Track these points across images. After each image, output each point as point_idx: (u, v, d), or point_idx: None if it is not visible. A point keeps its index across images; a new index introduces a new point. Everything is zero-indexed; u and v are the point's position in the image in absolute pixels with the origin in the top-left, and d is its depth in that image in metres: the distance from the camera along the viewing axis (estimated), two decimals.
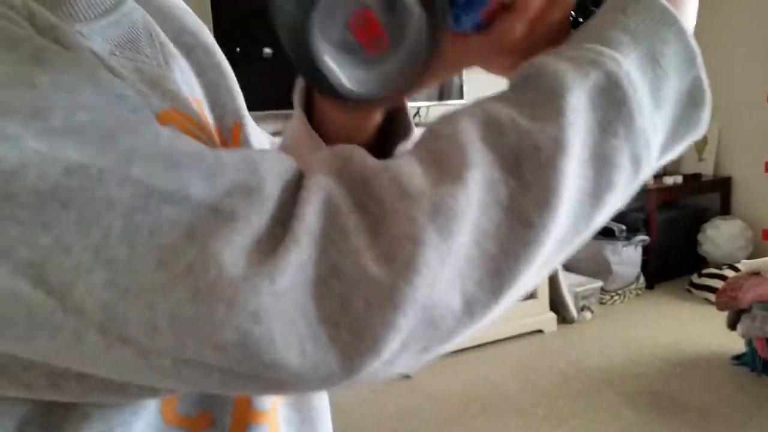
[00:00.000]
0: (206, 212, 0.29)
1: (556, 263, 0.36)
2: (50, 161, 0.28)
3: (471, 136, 0.33)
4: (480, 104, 0.36)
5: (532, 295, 3.17)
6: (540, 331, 3.21)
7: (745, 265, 2.80)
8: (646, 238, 3.64)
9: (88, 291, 0.28)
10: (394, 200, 0.31)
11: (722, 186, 4.00)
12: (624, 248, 3.57)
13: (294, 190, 0.32)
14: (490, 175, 0.32)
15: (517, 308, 3.12)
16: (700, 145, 4.04)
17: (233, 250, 0.28)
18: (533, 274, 0.34)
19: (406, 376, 2.79)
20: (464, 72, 0.46)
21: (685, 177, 3.93)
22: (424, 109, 3.22)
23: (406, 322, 0.30)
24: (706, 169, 4.03)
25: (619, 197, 0.36)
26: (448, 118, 0.35)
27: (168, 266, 0.28)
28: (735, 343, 2.77)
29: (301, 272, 0.29)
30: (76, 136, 0.29)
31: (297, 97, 0.49)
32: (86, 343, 0.29)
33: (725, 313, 2.76)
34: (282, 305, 0.28)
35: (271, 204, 0.31)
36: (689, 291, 3.65)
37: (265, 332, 0.28)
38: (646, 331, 3.17)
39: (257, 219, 0.30)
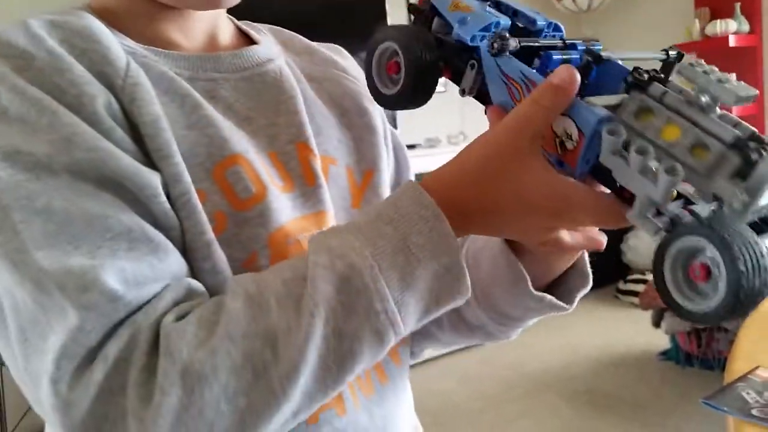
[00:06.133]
0: None
1: (315, 407, 0.45)
2: None
3: (240, 313, 0.42)
4: (253, 278, 0.45)
5: None
6: (481, 343, 3.34)
7: None
8: None
9: None
10: (162, 353, 0.41)
11: None
12: None
13: None
14: (251, 346, 0.41)
15: None
16: None
17: None
18: (282, 423, 0.43)
19: None
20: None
21: None
22: None
23: None
24: None
25: (368, 358, 0.44)
26: (232, 288, 0.44)
27: None
28: (660, 340, 2.97)
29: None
30: None
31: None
32: None
33: (650, 314, 2.94)
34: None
35: None
36: (616, 297, 3.87)
37: None
38: (579, 337, 3.35)
39: None
